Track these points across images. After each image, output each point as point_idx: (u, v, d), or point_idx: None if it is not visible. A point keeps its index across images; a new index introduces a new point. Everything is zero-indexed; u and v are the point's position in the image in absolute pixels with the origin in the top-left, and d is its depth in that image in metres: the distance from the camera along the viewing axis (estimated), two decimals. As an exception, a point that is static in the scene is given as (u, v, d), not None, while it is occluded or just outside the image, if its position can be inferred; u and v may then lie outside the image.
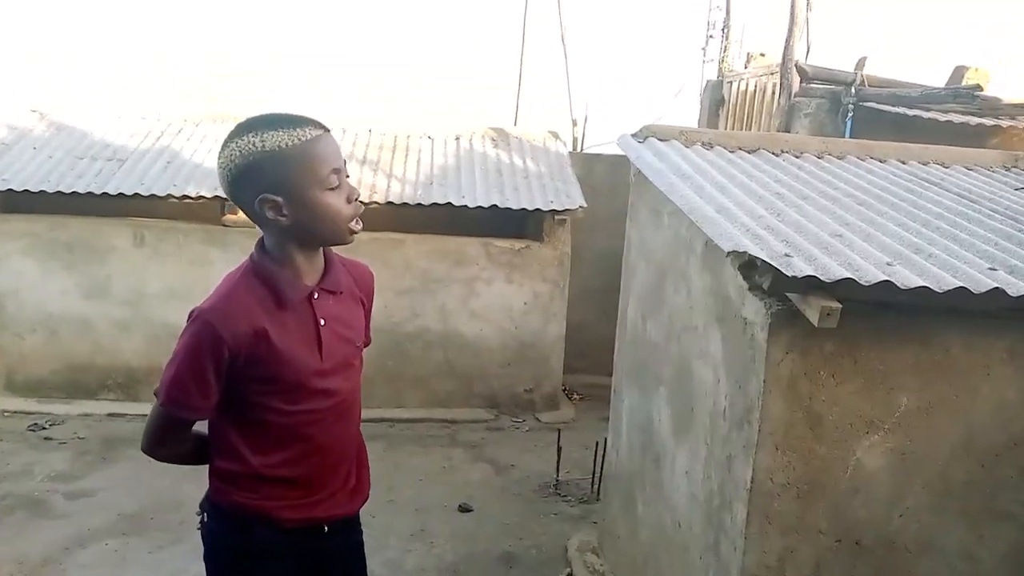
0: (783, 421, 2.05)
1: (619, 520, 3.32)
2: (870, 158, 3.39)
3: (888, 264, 2.02)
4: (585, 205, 5.56)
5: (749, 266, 2.17)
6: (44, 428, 4.96)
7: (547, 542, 3.80)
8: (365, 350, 1.76)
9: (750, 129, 6.14)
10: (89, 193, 5.33)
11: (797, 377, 2.03)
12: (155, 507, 3.96)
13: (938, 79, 6.04)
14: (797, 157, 3.30)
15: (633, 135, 3.39)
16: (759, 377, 2.05)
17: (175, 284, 5.49)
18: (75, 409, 5.23)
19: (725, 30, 7.13)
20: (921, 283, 1.87)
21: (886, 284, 1.85)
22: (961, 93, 4.83)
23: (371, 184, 5.49)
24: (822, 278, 1.84)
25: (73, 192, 5.30)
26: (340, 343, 1.65)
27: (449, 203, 5.39)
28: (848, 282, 1.84)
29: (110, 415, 5.19)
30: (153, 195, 5.37)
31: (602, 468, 4.32)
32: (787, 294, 1.97)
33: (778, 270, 1.87)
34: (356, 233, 1.59)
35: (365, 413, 1.80)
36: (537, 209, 5.44)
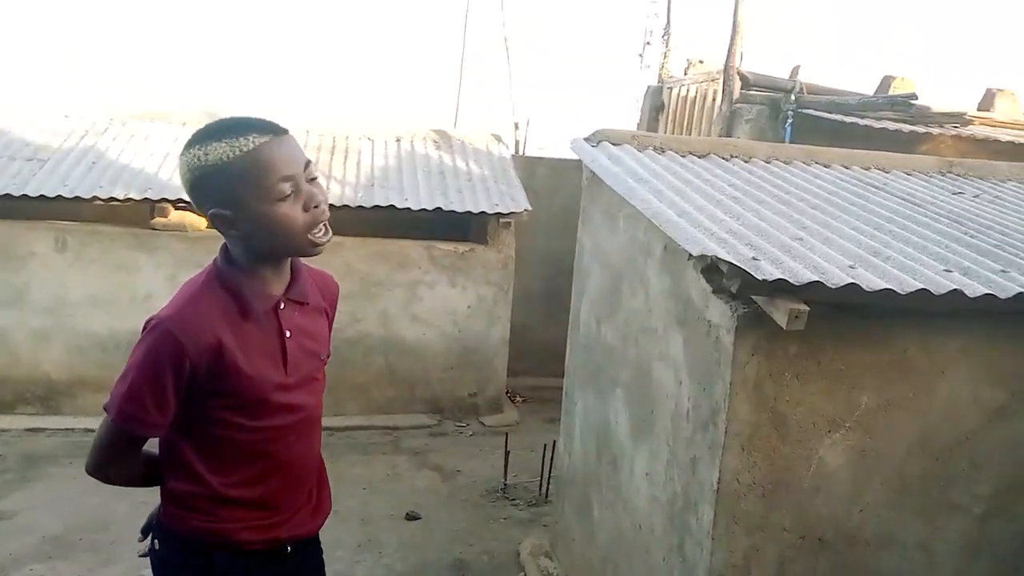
0: (749, 422, 2.06)
1: (573, 523, 3.29)
2: (815, 163, 3.47)
3: (851, 267, 2.05)
4: (530, 208, 5.55)
5: (712, 269, 2.18)
6: (-45, 446, 4.65)
7: (498, 547, 3.76)
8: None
9: (690, 134, 6.24)
10: (7, 195, 5.03)
11: (763, 379, 2.04)
12: (82, 527, 3.74)
13: (866, 87, 6.28)
14: (746, 162, 3.35)
15: (586, 139, 3.38)
16: (725, 379, 2.05)
17: (99, 291, 5.23)
18: (-10, 424, 4.92)
19: (665, 37, 7.24)
20: (885, 285, 1.91)
21: (852, 287, 1.87)
22: (898, 101, 5.02)
23: (310, 186, 5.34)
24: (792, 281, 1.85)
25: (-12, 193, 5.00)
26: (305, 356, 1.56)
27: (392, 205, 5.30)
28: (815, 285, 1.86)
29: (29, 430, 4.90)
30: (77, 197, 5.11)
31: (551, 471, 4.30)
32: (753, 297, 1.98)
33: (747, 273, 1.88)
34: (321, 244, 1.46)
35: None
36: (482, 212, 5.40)
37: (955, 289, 1.92)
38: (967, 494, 2.22)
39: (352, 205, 5.28)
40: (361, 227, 5.47)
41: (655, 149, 3.31)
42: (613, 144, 3.29)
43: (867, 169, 3.51)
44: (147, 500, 4.04)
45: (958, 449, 2.20)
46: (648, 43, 9.41)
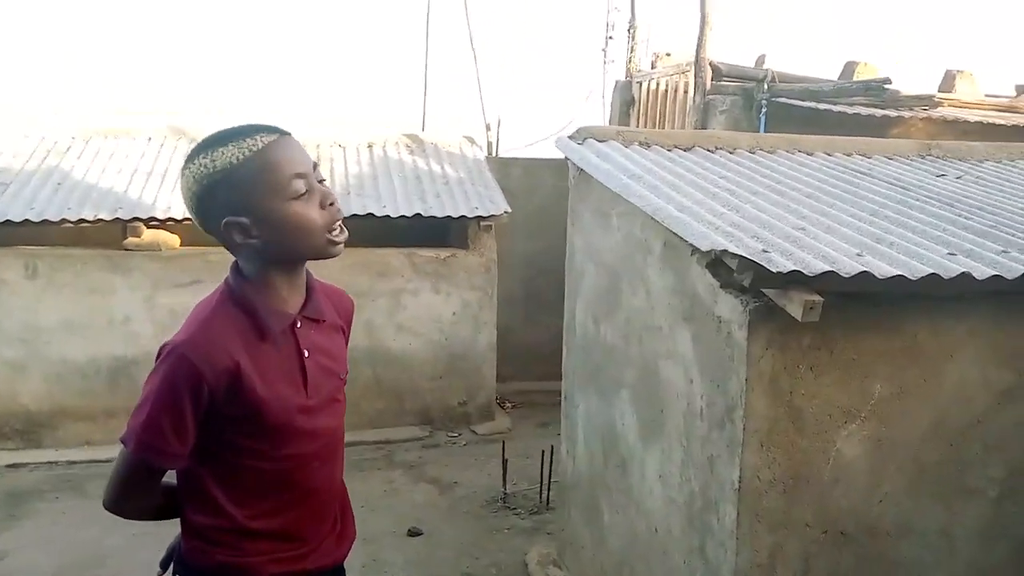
0: (767, 418, 2.03)
1: (581, 529, 3.26)
2: (798, 151, 3.48)
3: (858, 255, 2.04)
4: (510, 211, 5.50)
5: (717, 264, 2.16)
6: (-67, 486, 4.49)
7: (505, 559, 3.70)
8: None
9: (663, 127, 6.24)
10: (-30, 222, 4.86)
11: (778, 373, 2.02)
12: (77, 565, 3.62)
13: (829, 73, 6.33)
14: (731, 153, 3.34)
15: (570, 137, 3.35)
16: (740, 375, 2.03)
17: (74, 316, 5.08)
18: (-33, 461, 4.75)
19: (631, 31, 7.23)
20: (895, 272, 1.89)
21: (864, 275, 1.86)
22: (872, 86, 5.06)
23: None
24: (806, 272, 1.83)
25: (-49, 222, 4.83)
26: (325, 376, 1.50)
27: (370, 214, 5.22)
28: (828, 275, 1.84)
29: (10, 466, 4.74)
30: (45, 220, 4.94)
31: (550, 477, 4.26)
32: (764, 290, 1.96)
33: (760, 266, 1.85)
34: (339, 244, 1.41)
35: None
36: (462, 216, 5.34)
37: (964, 272, 1.92)
38: (982, 477, 2.23)
39: (330, 216, 5.18)
40: (340, 237, 5.37)
41: (640, 144, 3.29)
42: (598, 141, 3.26)
43: (849, 155, 3.52)
44: (140, 532, 3.92)
45: (971, 433, 2.20)
46: (610, 38, 9.42)
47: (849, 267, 1.89)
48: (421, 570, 3.57)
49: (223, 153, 1.34)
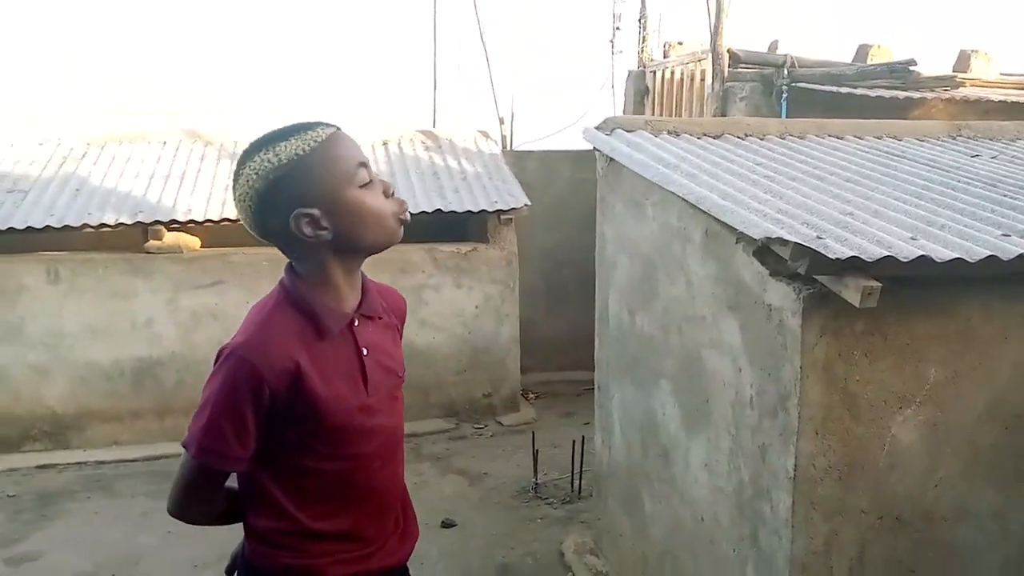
0: (821, 405, 2.02)
1: (620, 518, 3.25)
2: (828, 136, 3.45)
3: (912, 239, 2.01)
4: (529, 204, 5.49)
5: (764, 251, 2.14)
6: (-35, 490, 4.50)
7: (540, 548, 3.70)
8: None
9: (679, 116, 6.20)
10: (-7, 229, 4.87)
11: (832, 360, 2.00)
12: (111, 564, 3.63)
13: (842, 56, 6.28)
14: (761, 139, 3.32)
15: (598, 127, 3.32)
16: (794, 363, 2.01)
17: (97, 320, 5.09)
18: (-2, 465, 4.76)
19: (642, 20, 7.19)
20: (953, 255, 1.87)
21: (923, 259, 1.84)
22: (897, 68, 5.02)
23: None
24: (864, 258, 1.81)
25: (-27, 229, 4.84)
26: (384, 374, 1.49)
27: (391, 211, 5.20)
28: (887, 260, 1.82)
29: (40, 467, 4.76)
30: (66, 226, 4.96)
31: (581, 466, 4.26)
32: (817, 277, 1.94)
33: (818, 253, 1.83)
34: (402, 230, 1.42)
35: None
36: (483, 211, 5.32)
37: (1023, 253, 1.89)
38: (1037, 459, 2.21)
39: (350, 213, 5.17)
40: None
41: (670, 133, 3.27)
42: (627, 131, 3.23)
43: (879, 138, 3.49)
44: (174, 532, 3.94)
45: (1025, 414, 2.18)
46: (618, 28, 9.37)
47: (907, 251, 1.87)
48: (457, 561, 3.57)
49: (286, 147, 1.33)
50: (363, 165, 1.37)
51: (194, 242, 5.31)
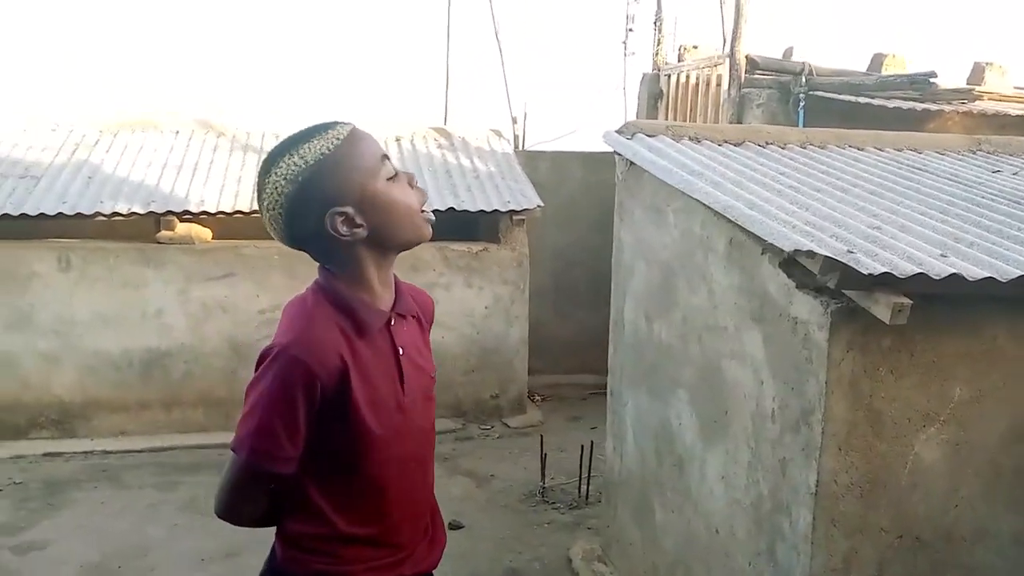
0: (846, 421, 2.00)
1: (630, 527, 3.24)
2: (848, 146, 3.43)
3: (942, 256, 2.00)
4: (542, 204, 5.47)
5: (791, 263, 2.12)
6: (-30, 476, 4.49)
7: (547, 553, 3.69)
8: None
9: (694, 121, 6.18)
10: (4, 215, 4.86)
11: (858, 375, 1.99)
12: (119, 555, 3.62)
13: (856, 65, 6.25)
14: (782, 148, 3.29)
15: (618, 131, 3.31)
16: (819, 378, 2.00)
17: (107, 309, 5.08)
18: (4, 452, 4.75)
19: (658, 23, 7.15)
20: (984, 274, 1.85)
21: (955, 277, 1.82)
22: (917, 80, 4.99)
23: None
24: (896, 274, 1.80)
25: (-15, 214, 4.83)
26: (418, 374, 1.48)
27: (403, 208, 5.18)
28: (919, 277, 1.81)
29: (46, 455, 4.75)
30: (79, 214, 4.95)
31: (590, 472, 4.25)
32: (846, 291, 1.92)
33: (849, 267, 1.82)
34: (430, 224, 1.42)
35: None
36: (495, 210, 5.31)
37: (1055, 275, 1.88)
38: (1059, 481, 2.19)
39: (362, 209, 5.16)
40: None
41: (691, 139, 3.25)
42: (648, 136, 3.22)
43: (899, 150, 3.46)
44: (181, 524, 3.95)
45: (1048, 436, 2.16)
46: (631, 30, 9.34)
47: (938, 269, 1.85)
48: (464, 563, 3.56)
49: (310, 148, 1.32)
50: (385, 158, 1.37)
51: (205, 233, 5.30)
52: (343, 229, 1.33)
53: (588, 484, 4.22)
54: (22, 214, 4.87)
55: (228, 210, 5.08)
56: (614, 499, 3.43)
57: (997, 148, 3.66)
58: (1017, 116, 5.32)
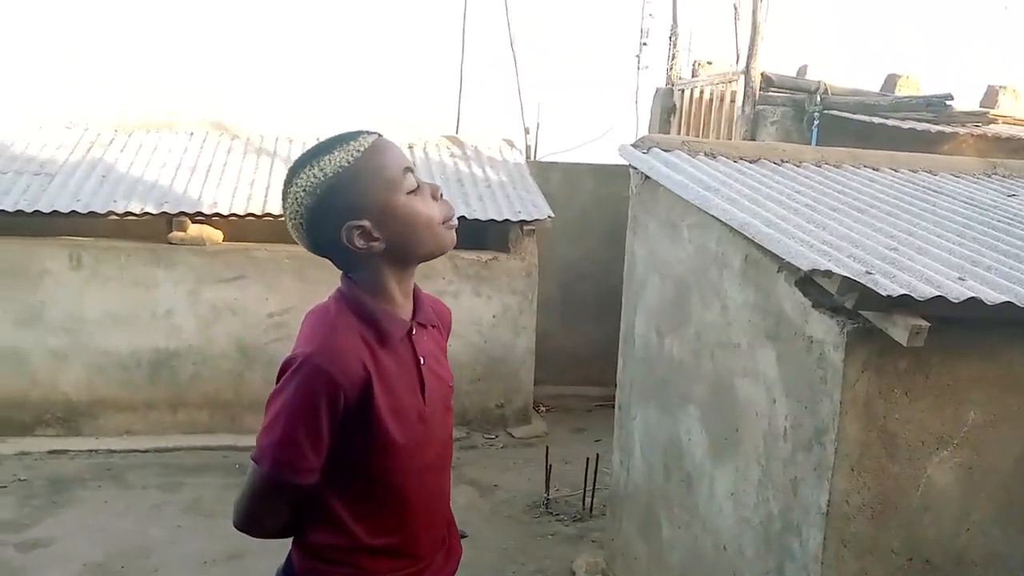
0: (859, 442, 2.00)
1: (635, 541, 3.22)
2: (863, 166, 3.43)
3: (960, 279, 1.99)
4: (553, 215, 5.48)
5: (807, 282, 2.12)
6: (-24, 471, 4.51)
7: (551, 566, 3.68)
8: None
9: (707, 136, 6.18)
10: (18, 211, 4.89)
11: (873, 396, 1.98)
12: (122, 555, 3.62)
13: (869, 85, 6.25)
14: (798, 166, 3.30)
15: (634, 145, 3.31)
16: (833, 398, 1.99)
17: (118, 308, 5.10)
18: (10, 448, 4.76)
19: (673, 38, 7.17)
20: (1004, 299, 1.85)
21: (973, 301, 1.82)
22: (934, 102, 4.99)
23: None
24: (915, 296, 1.79)
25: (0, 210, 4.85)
26: (438, 384, 1.48)
27: (415, 215, 5.19)
28: (937, 300, 1.81)
29: (51, 452, 4.76)
30: (92, 212, 4.97)
31: (595, 484, 4.24)
32: (862, 312, 1.92)
33: (868, 288, 1.81)
34: (453, 235, 1.42)
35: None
36: (506, 220, 5.32)
37: (1074, 301, 1.87)
38: (1072, 508, 2.18)
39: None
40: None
41: (706, 155, 3.25)
42: (664, 150, 3.22)
43: (915, 172, 3.46)
44: (185, 525, 3.94)
45: (1061, 462, 2.15)
46: (645, 44, 9.37)
47: (957, 292, 1.85)
48: (467, 573, 3.45)
49: (330, 160, 1.32)
50: (409, 170, 1.36)
51: (217, 235, 5.32)
52: (359, 242, 1.33)
53: (593, 497, 4.21)
54: (35, 211, 4.90)
55: (240, 212, 5.10)
56: (619, 513, 3.42)
57: (1012, 172, 3.66)
58: (1031, 140, 5.31)
